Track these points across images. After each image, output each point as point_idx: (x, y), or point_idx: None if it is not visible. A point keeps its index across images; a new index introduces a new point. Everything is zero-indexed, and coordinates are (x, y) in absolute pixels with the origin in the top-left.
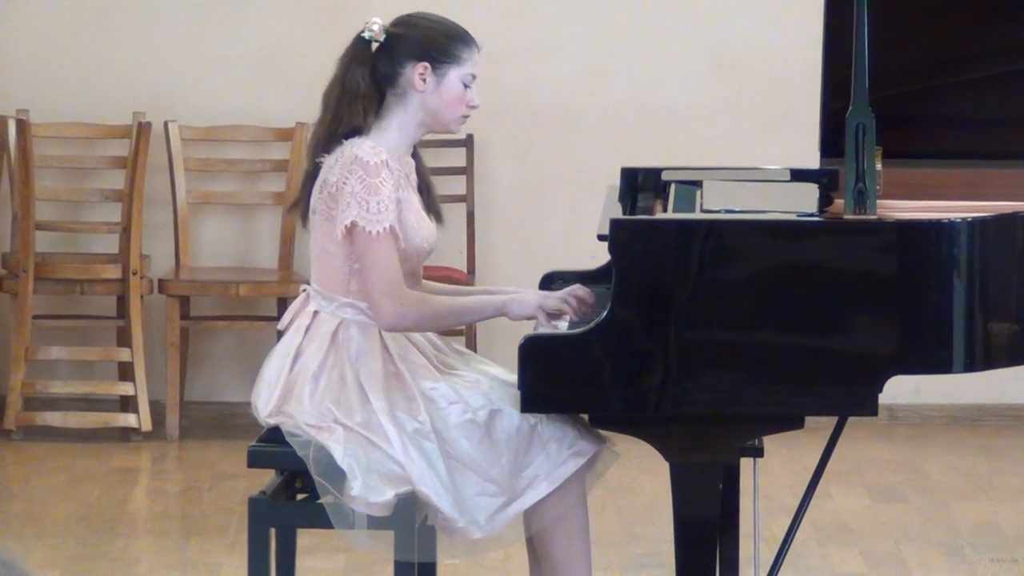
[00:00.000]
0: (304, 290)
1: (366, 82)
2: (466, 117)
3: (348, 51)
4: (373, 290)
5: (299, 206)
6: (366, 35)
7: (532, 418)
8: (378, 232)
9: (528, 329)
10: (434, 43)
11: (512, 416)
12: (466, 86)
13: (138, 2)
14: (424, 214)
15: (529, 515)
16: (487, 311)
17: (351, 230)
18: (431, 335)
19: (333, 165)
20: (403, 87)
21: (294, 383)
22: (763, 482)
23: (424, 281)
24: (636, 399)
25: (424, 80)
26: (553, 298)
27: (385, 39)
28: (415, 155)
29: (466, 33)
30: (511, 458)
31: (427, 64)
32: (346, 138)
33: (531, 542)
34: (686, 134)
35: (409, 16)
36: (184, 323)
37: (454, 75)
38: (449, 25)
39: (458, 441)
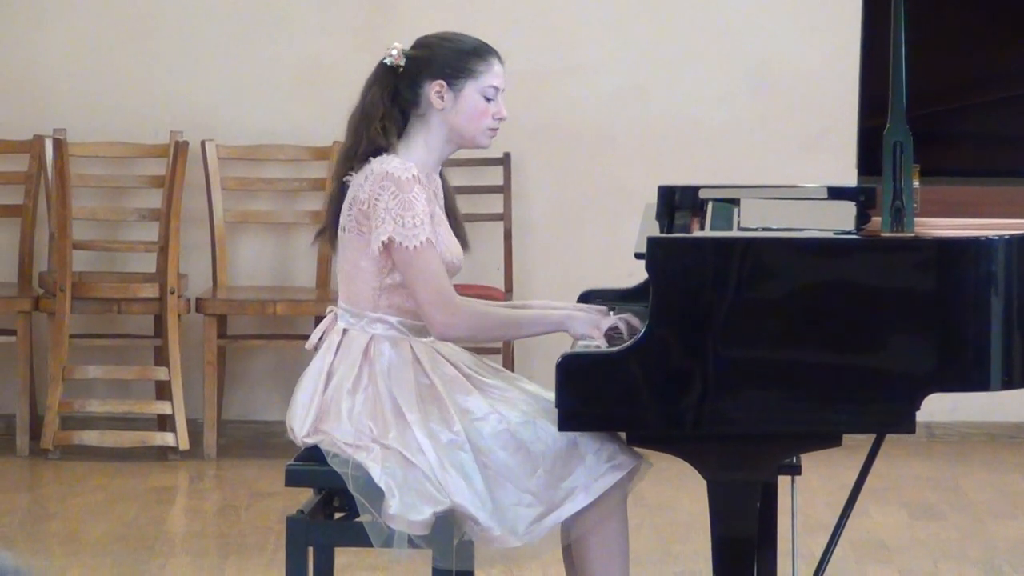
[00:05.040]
0: (331, 311)
1: (385, 103)
2: (494, 130)
3: (371, 77)
4: (422, 302)
5: (326, 233)
6: (387, 61)
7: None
8: (415, 246)
9: (566, 347)
10: (448, 60)
11: (549, 428)
12: (488, 99)
13: (175, 22)
14: (452, 232)
15: (567, 525)
16: (544, 325)
17: (388, 246)
18: (463, 354)
19: (363, 183)
20: (424, 107)
21: (330, 402)
22: (801, 500)
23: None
24: (673, 417)
25: (442, 97)
26: (610, 321)
27: (406, 63)
28: (441, 175)
29: (482, 46)
30: (548, 469)
31: (443, 82)
32: (373, 156)
33: (569, 559)
34: (723, 152)
35: (427, 38)
36: (221, 342)
37: (471, 89)
38: (464, 41)
39: (494, 451)
